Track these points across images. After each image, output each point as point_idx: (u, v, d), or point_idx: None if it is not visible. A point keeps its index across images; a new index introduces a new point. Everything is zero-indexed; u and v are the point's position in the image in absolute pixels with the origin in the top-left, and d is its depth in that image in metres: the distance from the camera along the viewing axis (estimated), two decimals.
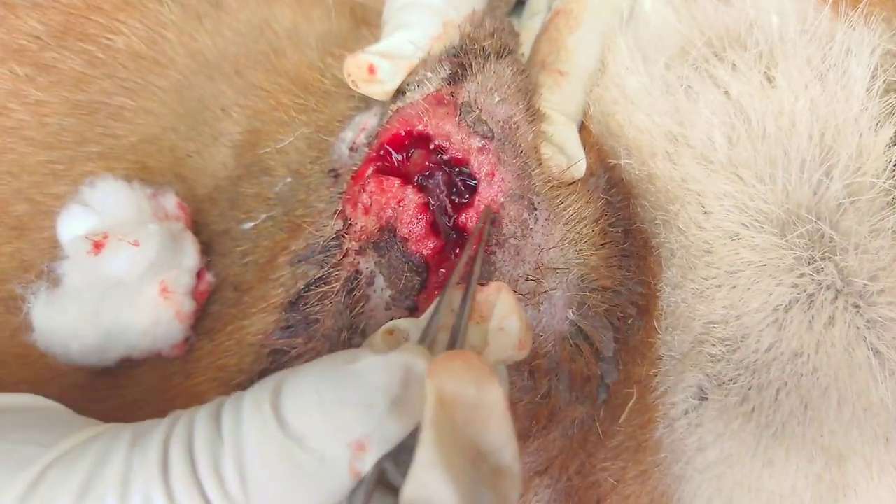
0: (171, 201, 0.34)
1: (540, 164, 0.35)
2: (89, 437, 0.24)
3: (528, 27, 0.44)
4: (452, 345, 0.26)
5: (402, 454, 0.24)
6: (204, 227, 0.36)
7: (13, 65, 0.36)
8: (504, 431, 0.23)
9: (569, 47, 0.39)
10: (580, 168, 0.36)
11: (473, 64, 0.34)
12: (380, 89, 0.33)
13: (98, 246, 0.31)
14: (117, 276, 0.31)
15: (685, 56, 0.39)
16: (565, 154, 0.36)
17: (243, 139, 0.36)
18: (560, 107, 0.38)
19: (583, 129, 0.39)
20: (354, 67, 0.32)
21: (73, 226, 0.32)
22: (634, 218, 0.36)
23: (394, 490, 0.24)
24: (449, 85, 0.33)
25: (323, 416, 0.22)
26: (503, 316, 0.27)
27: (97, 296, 0.31)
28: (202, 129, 0.36)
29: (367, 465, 0.22)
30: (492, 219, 0.32)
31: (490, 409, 0.23)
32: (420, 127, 0.32)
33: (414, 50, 0.33)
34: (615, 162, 0.37)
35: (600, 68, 0.40)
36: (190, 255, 0.34)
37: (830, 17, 0.38)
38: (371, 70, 0.32)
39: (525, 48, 0.43)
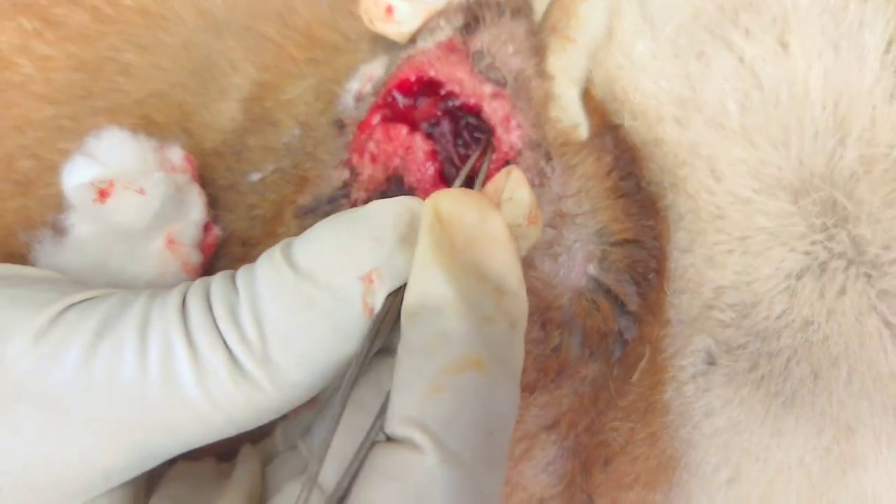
0: (177, 154, 0.34)
1: (549, 120, 0.34)
2: (109, 291, 0.25)
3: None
4: None
5: None
6: (211, 181, 0.35)
7: (22, 19, 0.35)
8: (508, 258, 0.24)
9: (580, 15, 0.39)
10: (582, 131, 0.36)
11: (488, 16, 0.34)
12: (396, 29, 0.33)
13: (104, 194, 0.31)
14: (124, 225, 0.31)
15: (696, 21, 0.38)
16: (567, 117, 0.36)
17: (251, 93, 0.35)
18: (565, 71, 0.37)
19: (585, 94, 0.38)
20: (371, 5, 0.32)
21: (77, 176, 0.32)
22: (642, 177, 0.35)
23: None
24: (462, 35, 0.33)
25: (332, 251, 0.23)
26: (513, 188, 0.27)
27: (103, 247, 0.31)
28: (210, 85, 0.36)
29: (378, 299, 0.23)
30: (488, 136, 0.32)
31: (493, 236, 0.24)
32: (431, 73, 0.32)
33: None
34: (619, 122, 0.36)
35: (607, 36, 0.40)
36: (196, 207, 0.33)
37: None
38: (389, 10, 0.32)
39: (537, 18, 0.43)
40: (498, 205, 0.27)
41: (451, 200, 0.24)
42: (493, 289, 0.23)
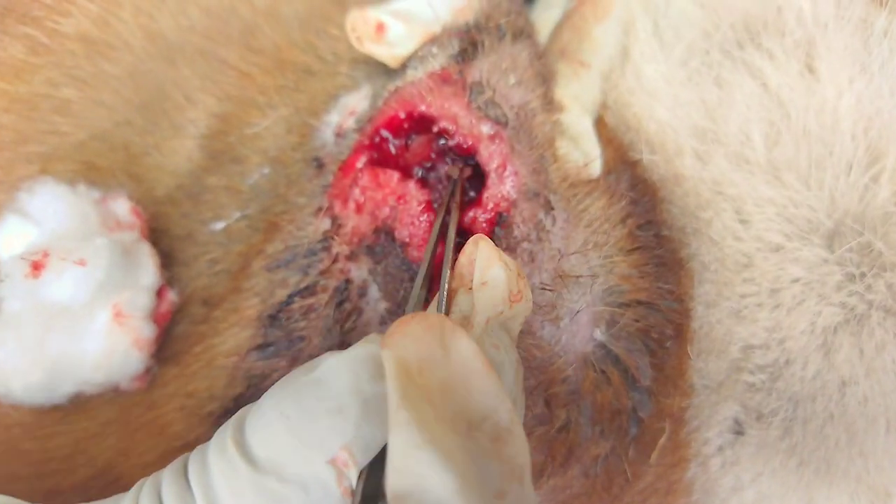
0: (122, 206, 0.30)
1: (556, 159, 0.30)
2: None
3: (544, 19, 0.40)
4: None
5: None
6: (164, 233, 0.31)
7: None
8: (490, 389, 0.20)
9: (594, 37, 0.35)
10: (596, 166, 0.32)
11: (486, 41, 0.29)
12: (387, 52, 0.29)
13: (37, 267, 0.26)
14: (61, 302, 0.26)
15: (710, 40, 0.34)
16: (580, 149, 0.32)
17: (210, 127, 0.31)
18: (577, 98, 0.33)
19: (599, 121, 0.34)
20: (361, 22, 0.28)
21: (9, 241, 0.27)
22: (662, 223, 0.31)
23: None
24: (457, 63, 0.28)
25: (293, 439, 0.20)
26: (484, 268, 0.23)
27: (40, 325, 0.27)
28: (161, 121, 0.31)
29: (353, 476, 0.20)
30: (461, 175, 0.28)
31: (466, 369, 0.20)
32: (422, 108, 0.28)
33: (433, 16, 0.29)
34: (637, 158, 0.32)
35: (622, 56, 0.36)
36: (147, 270, 0.29)
37: (865, 2, 0.34)
38: (380, 29, 0.28)
39: (542, 39, 0.39)
40: (455, 327, 0.21)
41: (414, 345, 0.19)
42: (490, 441, 0.20)
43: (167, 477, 0.21)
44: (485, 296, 0.23)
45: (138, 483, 0.21)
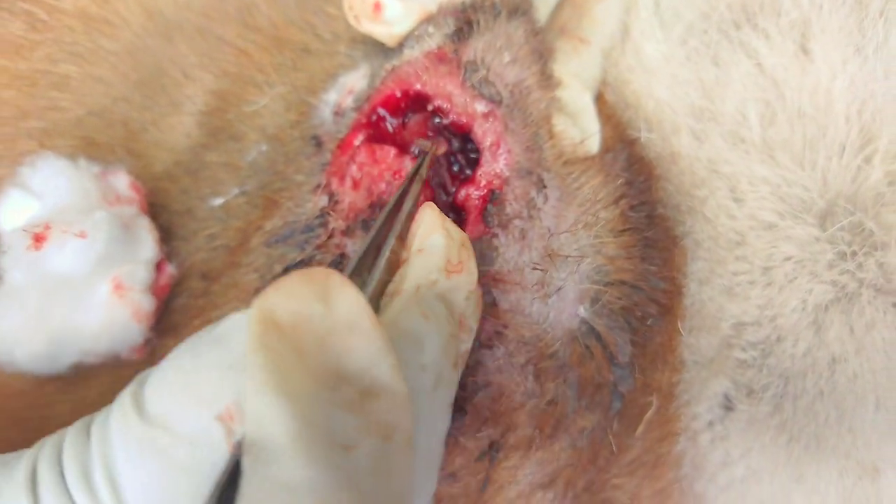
0: (122, 181, 0.30)
1: (551, 136, 0.30)
2: None
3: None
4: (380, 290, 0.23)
5: None
6: (163, 208, 0.31)
7: None
8: (373, 346, 0.20)
9: (594, 14, 0.35)
10: (594, 142, 0.32)
11: (482, 20, 0.29)
12: (385, 31, 0.29)
13: (39, 239, 0.26)
14: (63, 273, 0.27)
15: (708, 20, 0.34)
16: (579, 125, 0.32)
17: (209, 104, 0.31)
18: (577, 75, 0.34)
19: (598, 98, 0.35)
20: (358, 1, 0.28)
21: (11, 214, 0.28)
22: (657, 202, 0.32)
23: None
24: (453, 42, 0.29)
25: (184, 393, 0.20)
26: (423, 235, 0.23)
27: (42, 296, 0.27)
28: (159, 98, 0.31)
29: (241, 432, 0.19)
30: (433, 150, 0.28)
31: (349, 325, 0.20)
32: (417, 86, 0.28)
33: None
34: (635, 136, 0.33)
35: (622, 33, 0.36)
36: (146, 244, 0.29)
37: None
38: (377, 8, 0.28)
39: (541, 17, 0.39)
40: (343, 283, 0.21)
41: (289, 300, 0.19)
42: (357, 395, 0.19)
43: (71, 431, 0.21)
44: (418, 262, 0.23)
45: (42, 440, 0.21)
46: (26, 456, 0.21)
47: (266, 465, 0.18)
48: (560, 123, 0.31)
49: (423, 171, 0.26)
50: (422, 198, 0.27)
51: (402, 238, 0.24)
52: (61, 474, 0.20)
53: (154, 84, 0.31)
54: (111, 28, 0.31)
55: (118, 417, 0.20)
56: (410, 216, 0.24)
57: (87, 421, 0.21)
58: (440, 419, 0.22)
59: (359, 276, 0.23)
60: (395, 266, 0.24)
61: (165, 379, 0.20)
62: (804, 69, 0.33)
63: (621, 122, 0.33)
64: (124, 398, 0.20)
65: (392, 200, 0.25)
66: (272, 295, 0.19)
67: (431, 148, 0.27)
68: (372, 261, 0.24)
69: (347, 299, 0.20)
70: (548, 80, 0.32)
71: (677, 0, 0.36)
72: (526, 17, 0.32)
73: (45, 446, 0.21)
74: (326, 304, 0.19)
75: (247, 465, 0.18)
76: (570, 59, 0.34)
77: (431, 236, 0.23)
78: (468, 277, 0.23)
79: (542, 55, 0.32)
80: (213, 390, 0.19)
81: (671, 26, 0.35)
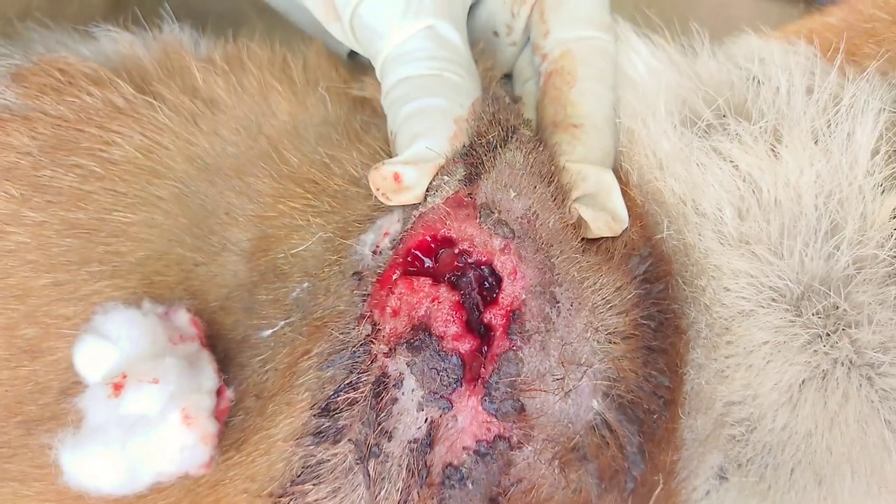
0: (183, 318, 0.34)
1: (564, 250, 0.34)
2: None
3: (525, 93, 0.43)
4: None
5: None
6: (219, 337, 0.35)
7: (7, 185, 0.35)
8: None
9: (573, 101, 0.39)
10: (622, 217, 0.35)
11: (485, 160, 0.34)
12: (410, 195, 0.33)
13: (118, 388, 0.31)
14: (140, 414, 0.31)
15: (694, 126, 0.38)
16: (608, 208, 0.35)
17: (253, 246, 0.35)
18: (586, 158, 0.37)
19: (624, 196, 0.38)
20: (380, 180, 0.32)
21: (90, 359, 0.32)
22: (671, 301, 0.36)
23: None
24: (466, 185, 0.33)
25: None
26: None
27: (122, 433, 0.31)
28: (208, 238, 0.35)
29: None
30: None
31: None
32: (443, 231, 0.32)
33: (435, 154, 0.33)
34: (659, 236, 0.36)
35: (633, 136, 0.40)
36: (208, 375, 0.33)
37: (837, 76, 0.38)
38: (397, 178, 0.32)
39: (528, 112, 0.42)
40: None
41: None
42: None
43: None
44: None
45: None
46: None
47: None
48: (585, 212, 0.35)
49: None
50: (457, 317, 0.32)
51: None
52: None
53: (202, 226, 0.35)
54: (158, 177, 0.35)
55: None
56: None
57: None
58: None
59: None
60: None
61: None
62: (775, 169, 0.37)
63: (647, 221, 0.36)
64: None
65: None
66: None
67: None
68: None
69: None
70: (555, 193, 0.35)
71: (672, 102, 0.40)
72: (517, 137, 0.36)
73: None
74: None
75: None
76: (574, 148, 0.37)
77: None
78: None
79: (542, 173, 0.36)
80: None
81: (674, 130, 0.39)
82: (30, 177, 0.35)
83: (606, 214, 0.35)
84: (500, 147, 0.34)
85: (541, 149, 0.37)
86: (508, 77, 0.45)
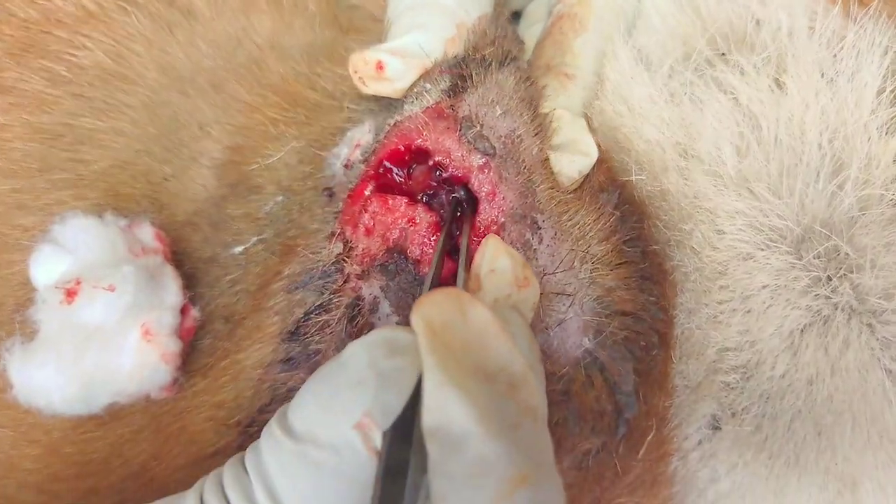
0: (147, 232, 0.32)
1: (545, 179, 0.33)
2: None
3: (529, 35, 0.42)
4: None
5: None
6: (186, 255, 0.33)
7: None
8: (504, 347, 0.24)
9: (575, 50, 0.37)
10: (586, 165, 0.34)
11: (474, 74, 0.32)
12: (389, 87, 0.31)
13: (71, 294, 0.29)
14: (94, 324, 0.29)
15: (687, 60, 0.36)
16: (579, 151, 0.34)
17: (225, 157, 0.33)
18: (566, 108, 0.36)
19: None
20: (361, 63, 0.31)
21: (45, 268, 0.30)
22: (650, 239, 0.34)
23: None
24: (449, 97, 0.31)
25: (323, 411, 0.24)
26: (492, 260, 0.27)
27: (75, 344, 0.29)
28: (179, 150, 0.33)
29: (377, 439, 0.23)
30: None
31: (482, 331, 0.24)
32: (419, 142, 0.30)
33: (426, 52, 0.32)
34: (626, 179, 0.35)
35: (600, 75, 0.38)
36: (171, 291, 0.31)
37: (840, 16, 0.36)
38: (380, 67, 0.31)
39: (527, 54, 0.41)
40: (479, 284, 0.26)
41: (438, 310, 0.23)
42: (506, 387, 0.23)
43: (227, 467, 0.25)
44: (492, 282, 0.26)
45: (200, 480, 0.25)
46: (191, 492, 0.25)
47: (456, 447, 0.22)
48: (557, 161, 0.33)
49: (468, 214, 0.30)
50: (434, 239, 0.30)
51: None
52: (226, 500, 0.24)
53: (173, 137, 0.33)
54: (128, 83, 0.33)
55: (269, 442, 0.24)
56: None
57: (238, 457, 0.25)
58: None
59: None
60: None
61: (305, 403, 0.24)
62: (778, 102, 0.35)
63: (612, 165, 0.35)
64: (272, 427, 0.24)
65: (440, 245, 0.29)
66: (426, 306, 0.23)
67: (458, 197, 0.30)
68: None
69: (478, 310, 0.24)
70: (539, 126, 0.34)
71: (659, 44, 0.38)
72: (515, 65, 0.34)
73: (207, 482, 0.25)
74: (463, 314, 0.24)
75: (434, 450, 0.22)
76: (559, 95, 0.36)
77: (499, 259, 0.27)
78: (534, 290, 0.28)
79: (531, 102, 0.34)
80: (345, 405, 0.23)
81: (656, 69, 0.37)
82: None
83: (581, 158, 0.34)
84: (495, 67, 0.33)
85: (532, 83, 0.35)
86: (517, 16, 0.43)
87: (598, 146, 0.36)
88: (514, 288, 0.27)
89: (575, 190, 0.34)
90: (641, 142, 0.35)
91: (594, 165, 0.34)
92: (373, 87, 0.31)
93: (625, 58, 0.36)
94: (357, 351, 0.24)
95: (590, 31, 0.38)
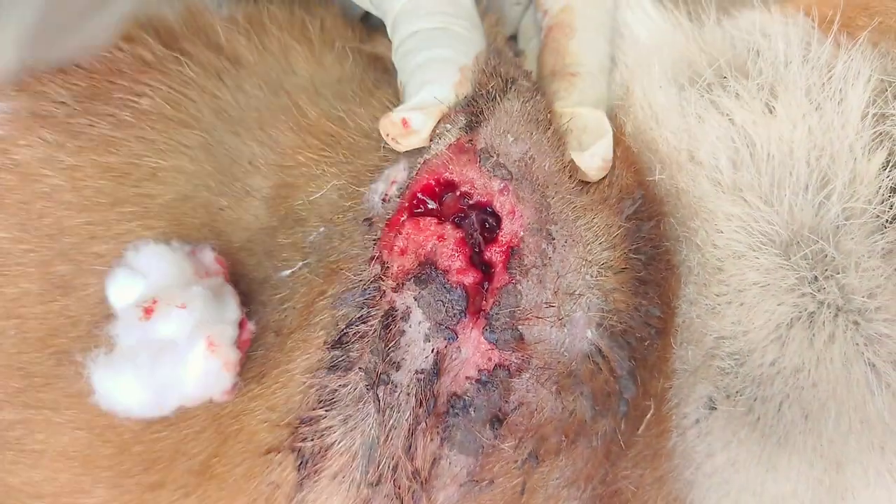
0: (208, 257, 0.36)
1: (557, 191, 0.36)
2: None
3: (528, 49, 0.46)
4: None
5: None
6: (242, 277, 0.37)
7: (42, 132, 0.37)
8: None
9: (571, 51, 0.41)
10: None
11: (485, 109, 0.36)
12: (417, 139, 0.35)
13: (148, 311, 0.33)
14: (167, 338, 0.33)
15: (694, 84, 0.40)
16: (595, 135, 0.38)
17: (274, 193, 0.37)
18: (581, 103, 0.39)
19: (618, 143, 0.40)
20: (390, 126, 0.35)
21: (121, 289, 0.34)
22: (663, 238, 0.38)
23: None
24: (466, 132, 0.35)
25: None
26: None
27: (150, 355, 0.34)
28: (232, 184, 0.38)
29: None
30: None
31: None
32: (447, 175, 0.35)
33: (440, 101, 0.36)
34: (651, 179, 0.39)
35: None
36: (231, 308, 0.36)
37: (832, 48, 0.40)
38: (405, 124, 0.35)
39: (530, 65, 0.45)
40: None
41: None
42: None
43: None
44: None
45: None
46: None
47: None
48: (579, 160, 0.37)
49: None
50: (461, 252, 0.34)
51: None
52: None
53: (227, 172, 0.37)
54: (185, 126, 0.38)
55: None
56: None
57: None
58: None
59: None
60: None
61: None
62: (769, 123, 0.39)
63: (641, 167, 0.39)
64: None
65: None
66: None
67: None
68: None
69: None
70: (549, 141, 0.38)
71: (677, 62, 0.42)
72: (515, 87, 0.38)
73: None
74: None
75: None
76: (570, 94, 0.40)
77: None
78: None
79: (538, 120, 0.38)
80: None
81: (673, 82, 0.41)
82: (63, 124, 0.37)
83: (598, 143, 0.37)
84: (500, 97, 0.37)
85: (538, 97, 0.39)
86: (513, 38, 0.47)
87: (629, 147, 0.40)
88: None
89: (598, 193, 0.37)
90: (664, 144, 0.39)
91: (623, 168, 0.38)
92: (405, 143, 0.35)
93: (657, 69, 0.40)
94: None
95: (578, 31, 0.41)
